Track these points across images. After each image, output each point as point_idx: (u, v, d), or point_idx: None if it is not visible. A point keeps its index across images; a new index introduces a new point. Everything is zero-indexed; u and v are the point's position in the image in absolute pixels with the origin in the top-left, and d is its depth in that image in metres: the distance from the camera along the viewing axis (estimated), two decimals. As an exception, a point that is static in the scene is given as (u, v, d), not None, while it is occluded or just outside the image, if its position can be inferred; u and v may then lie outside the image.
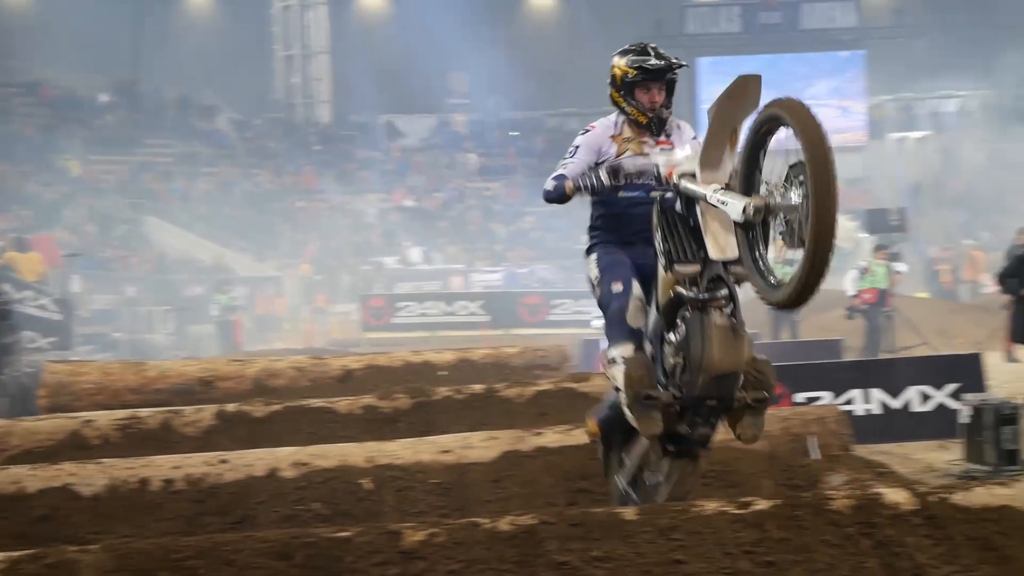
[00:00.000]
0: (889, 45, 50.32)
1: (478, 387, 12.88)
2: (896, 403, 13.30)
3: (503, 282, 41.22)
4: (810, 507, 7.09)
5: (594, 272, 7.57)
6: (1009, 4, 48.94)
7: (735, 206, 6.35)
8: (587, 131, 7.67)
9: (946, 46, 47.20)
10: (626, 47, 7.61)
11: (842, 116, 51.39)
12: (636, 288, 7.38)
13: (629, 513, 6.91)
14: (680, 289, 6.93)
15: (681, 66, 7.54)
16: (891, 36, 50.92)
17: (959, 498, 7.31)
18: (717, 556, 6.56)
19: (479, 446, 9.51)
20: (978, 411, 10.91)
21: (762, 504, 7.08)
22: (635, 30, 50.20)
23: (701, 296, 6.85)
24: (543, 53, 51.07)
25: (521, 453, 9.31)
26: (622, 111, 7.63)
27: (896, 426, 13.00)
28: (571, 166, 7.51)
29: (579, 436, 9.58)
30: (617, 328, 7.34)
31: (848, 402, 13.04)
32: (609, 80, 7.61)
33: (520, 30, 53.60)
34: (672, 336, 7.11)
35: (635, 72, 7.46)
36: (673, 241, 6.94)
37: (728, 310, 6.91)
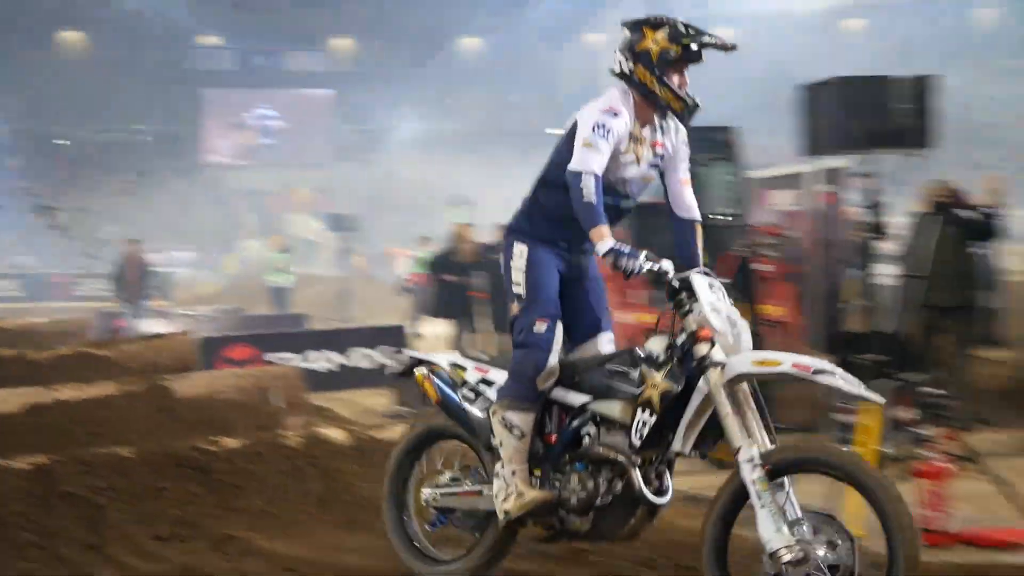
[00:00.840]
0: (353, 85, 51.08)
1: (10, 351, 12.45)
2: (346, 361, 13.71)
3: (38, 263, 39.28)
4: (269, 444, 7.29)
5: (519, 277, 4.99)
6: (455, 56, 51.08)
7: (772, 535, 4.28)
8: (615, 113, 4.79)
9: (399, 88, 48.64)
10: (648, 18, 4.88)
11: (312, 143, 51.95)
12: (559, 336, 4.96)
13: (125, 451, 6.88)
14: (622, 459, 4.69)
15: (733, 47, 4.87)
16: (354, 79, 51.60)
17: (382, 433, 7.80)
18: (192, 485, 6.66)
19: (7, 400, 9.13)
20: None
21: (232, 442, 7.20)
22: (152, 63, 49.03)
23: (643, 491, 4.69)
24: (77, 79, 48.77)
25: (43, 406, 8.96)
26: (650, 95, 4.83)
27: (345, 379, 13.38)
28: (599, 160, 4.71)
29: (92, 390, 9.42)
30: (525, 386, 4.90)
31: (309, 360, 13.38)
32: (632, 58, 4.82)
33: (55, 58, 50.95)
34: (594, 477, 4.81)
35: (679, 49, 4.76)
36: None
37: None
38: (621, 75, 4.89)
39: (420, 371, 5.35)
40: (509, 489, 4.90)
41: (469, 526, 5.27)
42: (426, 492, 5.32)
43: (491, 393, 5.13)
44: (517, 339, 4.96)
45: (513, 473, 4.90)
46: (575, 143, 4.73)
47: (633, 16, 4.92)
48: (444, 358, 5.42)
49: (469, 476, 5.29)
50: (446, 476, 5.34)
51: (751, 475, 4.39)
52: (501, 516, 4.94)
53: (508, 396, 4.94)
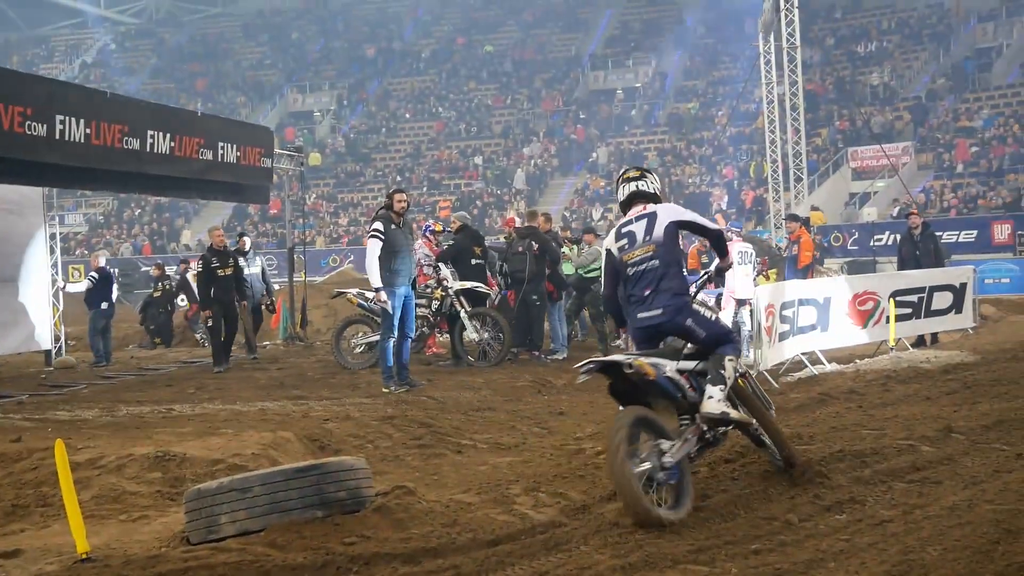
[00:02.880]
0: None
1: None
2: None
3: None
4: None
5: (698, 319, 7.19)
6: None
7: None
8: None
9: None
10: None
11: None
12: None
13: None
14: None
15: None
16: None
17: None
18: None
19: None
20: None
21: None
22: None
23: None
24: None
25: None
26: None
27: None
28: None
29: None
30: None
31: None
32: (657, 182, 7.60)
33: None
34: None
35: None
36: None
37: None
38: (656, 191, 7.48)
39: (640, 361, 6.83)
40: (726, 403, 7.00)
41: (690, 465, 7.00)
42: (667, 459, 6.64)
43: (678, 368, 7.11)
44: (724, 330, 7.30)
45: (728, 393, 7.08)
46: (698, 221, 7.44)
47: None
48: (623, 356, 7.00)
49: (674, 434, 6.89)
50: (667, 442, 6.73)
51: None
52: (720, 414, 6.92)
53: (738, 354, 7.25)
